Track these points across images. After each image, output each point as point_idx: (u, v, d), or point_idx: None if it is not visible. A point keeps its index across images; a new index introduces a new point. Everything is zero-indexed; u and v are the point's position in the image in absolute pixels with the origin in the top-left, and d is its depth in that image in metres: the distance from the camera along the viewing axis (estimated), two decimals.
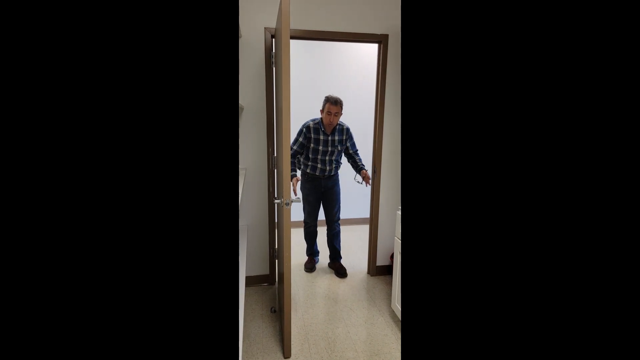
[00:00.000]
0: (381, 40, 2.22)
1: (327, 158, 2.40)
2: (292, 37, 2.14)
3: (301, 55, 3.32)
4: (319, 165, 2.41)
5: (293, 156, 2.44)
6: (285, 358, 1.69)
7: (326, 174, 2.45)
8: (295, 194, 2.30)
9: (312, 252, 2.74)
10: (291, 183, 2.23)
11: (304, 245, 2.78)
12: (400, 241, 1.83)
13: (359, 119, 3.37)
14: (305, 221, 2.65)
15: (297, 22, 2.11)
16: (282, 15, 1.36)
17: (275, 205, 2.34)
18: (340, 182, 2.60)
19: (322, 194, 2.54)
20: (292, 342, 1.80)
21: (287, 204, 1.53)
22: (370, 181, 2.40)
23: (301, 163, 2.48)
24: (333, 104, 2.28)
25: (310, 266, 2.68)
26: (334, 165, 2.46)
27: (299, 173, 2.54)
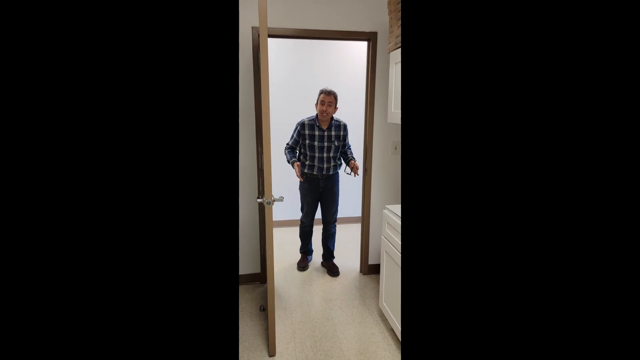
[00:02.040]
0: (370, 38, 2.21)
1: (324, 155, 2.37)
2: (281, 36, 2.14)
3: (292, 54, 3.31)
4: (317, 164, 2.38)
5: (290, 151, 2.43)
6: (270, 356, 1.70)
7: (324, 172, 2.41)
8: (300, 178, 2.33)
9: (305, 250, 2.73)
10: (295, 168, 2.32)
11: (298, 244, 2.77)
12: (386, 240, 1.82)
13: (350, 117, 3.34)
14: (301, 221, 2.63)
15: (286, 21, 2.11)
16: (260, 14, 1.36)
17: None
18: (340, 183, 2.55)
19: (321, 194, 2.50)
20: (279, 341, 1.80)
21: (269, 203, 1.53)
22: (358, 171, 2.32)
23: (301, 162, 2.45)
24: (327, 94, 2.28)
25: (303, 265, 2.67)
26: (332, 164, 2.41)
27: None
